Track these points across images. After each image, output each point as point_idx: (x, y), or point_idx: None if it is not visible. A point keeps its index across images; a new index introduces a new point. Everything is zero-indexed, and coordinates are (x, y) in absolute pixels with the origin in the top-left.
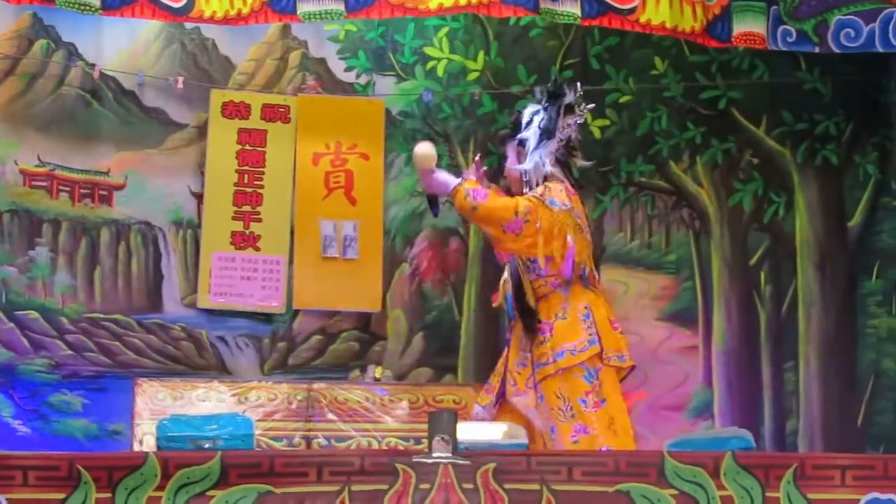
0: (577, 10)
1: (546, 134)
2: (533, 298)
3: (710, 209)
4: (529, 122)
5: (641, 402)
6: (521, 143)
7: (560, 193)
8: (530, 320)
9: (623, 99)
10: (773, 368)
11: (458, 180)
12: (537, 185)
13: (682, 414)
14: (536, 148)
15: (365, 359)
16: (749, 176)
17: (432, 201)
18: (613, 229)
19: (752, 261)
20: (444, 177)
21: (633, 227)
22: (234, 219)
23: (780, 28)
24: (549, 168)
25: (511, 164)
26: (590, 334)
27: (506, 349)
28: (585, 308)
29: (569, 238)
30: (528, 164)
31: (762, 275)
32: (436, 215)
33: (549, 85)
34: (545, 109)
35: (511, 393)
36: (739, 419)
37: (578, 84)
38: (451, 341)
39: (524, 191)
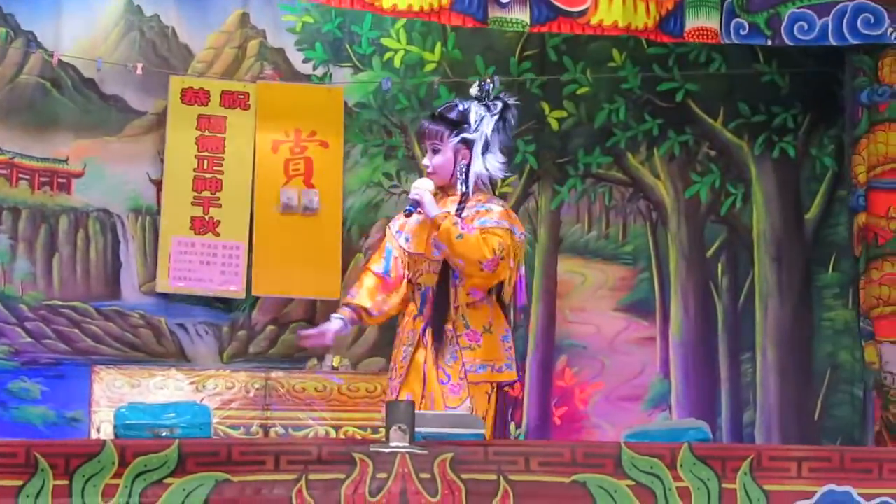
0: (525, 17)
1: (495, 141)
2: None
3: (668, 201)
4: (479, 123)
5: (598, 392)
6: (466, 142)
7: (515, 219)
8: (442, 330)
9: (581, 90)
10: (730, 360)
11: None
12: (470, 191)
13: (639, 405)
14: (486, 153)
15: (313, 350)
16: (706, 168)
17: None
18: (570, 220)
19: (709, 252)
20: (433, 201)
21: (590, 218)
22: (193, 204)
23: (734, 21)
24: (491, 177)
25: (446, 161)
26: (509, 359)
27: (411, 347)
28: (506, 330)
29: (522, 268)
30: (479, 168)
31: (719, 266)
32: (408, 215)
33: (491, 89)
34: (491, 114)
35: (445, 391)
36: (697, 410)
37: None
38: None
39: (455, 191)
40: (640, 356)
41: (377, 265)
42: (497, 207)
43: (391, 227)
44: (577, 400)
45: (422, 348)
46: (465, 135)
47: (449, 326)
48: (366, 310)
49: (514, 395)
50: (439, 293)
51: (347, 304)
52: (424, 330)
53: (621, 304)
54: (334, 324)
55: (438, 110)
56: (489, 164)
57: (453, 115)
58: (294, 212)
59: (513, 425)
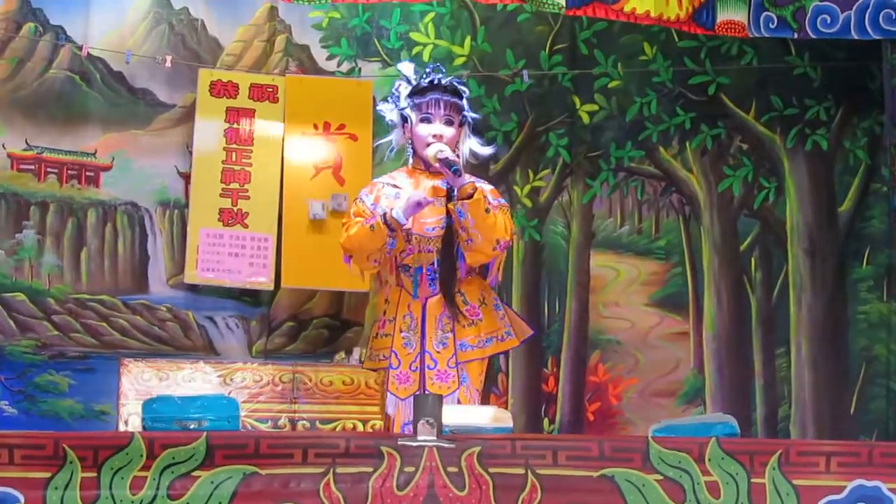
0: (562, 1)
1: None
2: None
3: (700, 195)
4: (470, 103)
5: (632, 387)
6: (463, 124)
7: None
8: (454, 302)
9: (612, 84)
10: (765, 354)
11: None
12: (461, 168)
13: (673, 400)
14: (469, 137)
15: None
16: (739, 161)
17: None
18: (603, 214)
19: (743, 246)
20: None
21: (622, 212)
22: (221, 196)
23: (763, 14)
24: (479, 156)
25: (455, 135)
26: (507, 325)
27: (413, 332)
28: (495, 299)
29: None
30: (473, 147)
31: (752, 260)
32: (459, 175)
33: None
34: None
35: (431, 376)
36: (731, 405)
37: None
38: None
39: (450, 167)
40: (673, 351)
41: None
42: (489, 186)
43: (364, 201)
44: (611, 395)
45: (424, 331)
46: (468, 114)
47: (462, 307)
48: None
49: (548, 390)
50: (444, 271)
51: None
52: (423, 312)
53: (654, 299)
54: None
55: (452, 83)
56: (474, 144)
57: (463, 91)
58: (323, 219)
59: (546, 421)
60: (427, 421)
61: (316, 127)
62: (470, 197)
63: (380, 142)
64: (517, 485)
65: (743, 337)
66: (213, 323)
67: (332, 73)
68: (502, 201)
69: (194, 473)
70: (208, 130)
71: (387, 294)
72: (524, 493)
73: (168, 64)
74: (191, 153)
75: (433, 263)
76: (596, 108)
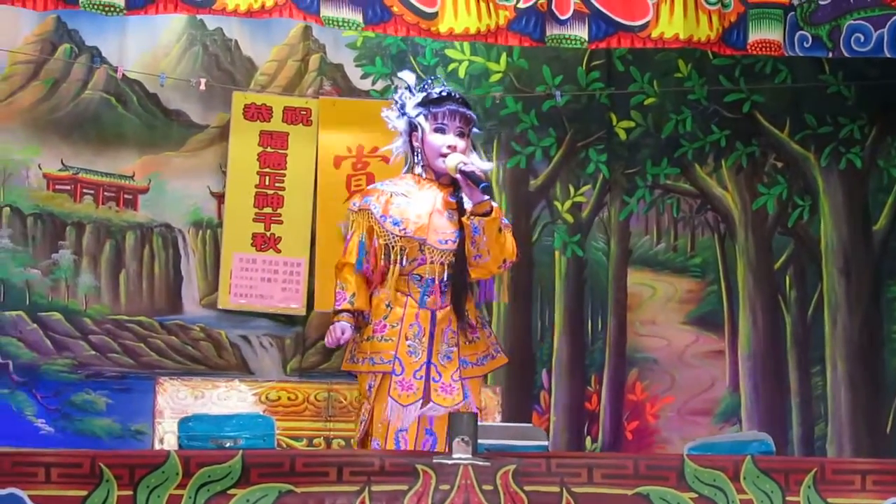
0: (584, 34)
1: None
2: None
3: (735, 213)
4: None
5: (669, 406)
6: (470, 135)
7: None
8: (464, 317)
9: (648, 101)
10: (800, 373)
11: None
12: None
13: (710, 419)
14: (472, 152)
15: None
16: (773, 179)
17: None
18: (640, 232)
19: (777, 265)
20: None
21: (658, 229)
22: (255, 220)
23: (798, 33)
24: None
25: (466, 148)
26: (493, 343)
27: (419, 341)
28: (481, 318)
29: None
30: (478, 162)
31: (787, 279)
32: (488, 191)
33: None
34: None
35: (436, 388)
36: (767, 424)
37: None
38: None
39: (446, 179)
40: (709, 370)
41: (354, 260)
42: (496, 204)
43: (374, 212)
44: (648, 414)
45: (433, 342)
46: (475, 129)
47: (471, 321)
48: (363, 314)
49: (591, 408)
50: (457, 286)
51: (348, 311)
52: (434, 324)
53: (690, 318)
54: (347, 333)
55: (462, 96)
56: (476, 159)
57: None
58: None
59: (588, 439)
60: (462, 439)
61: (349, 150)
62: (487, 214)
63: (384, 148)
64: (552, 502)
65: (778, 355)
66: (248, 342)
67: (367, 92)
68: (508, 221)
69: (230, 492)
70: (242, 155)
71: (388, 299)
72: None
73: (202, 87)
74: (223, 173)
75: (444, 276)
76: (632, 124)
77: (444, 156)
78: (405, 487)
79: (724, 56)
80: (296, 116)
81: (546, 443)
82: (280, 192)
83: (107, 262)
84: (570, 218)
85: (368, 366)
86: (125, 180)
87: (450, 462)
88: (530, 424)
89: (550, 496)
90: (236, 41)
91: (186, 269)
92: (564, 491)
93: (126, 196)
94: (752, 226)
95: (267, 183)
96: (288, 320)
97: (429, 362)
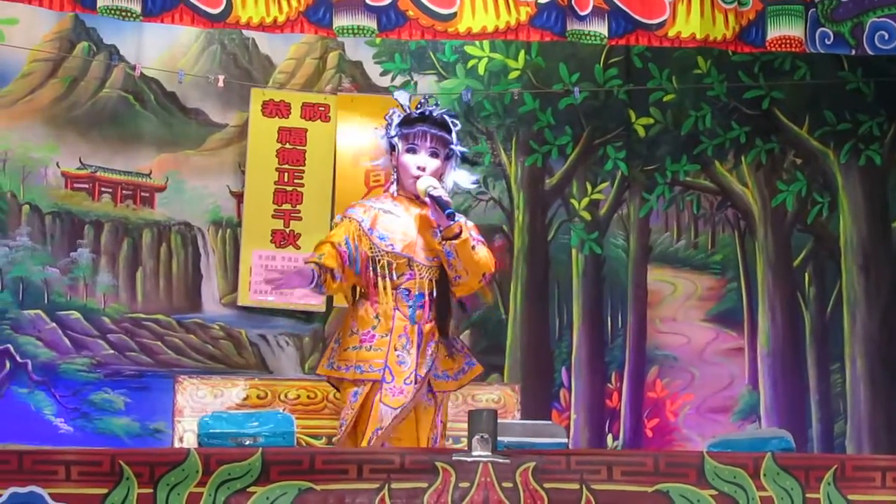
0: (604, 31)
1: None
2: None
3: (755, 209)
4: (458, 138)
5: (688, 403)
6: (449, 157)
7: None
8: (447, 333)
9: (667, 98)
10: (819, 370)
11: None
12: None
13: (729, 416)
14: (454, 170)
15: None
16: (792, 176)
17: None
18: (660, 229)
19: (796, 262)
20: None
21: (679, 226)
22: (274, 217)
23: (819, 30)
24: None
25: (438, 168)
26: (466, 356)
27: (407, 352)
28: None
29: None
30: (456, 179)
31: (806, 276)
32: (452, 217)
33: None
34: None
35: (410, 391)
36: (786, 421)
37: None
38: (497, 340)
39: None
40: (728, 367)
41: (339, 240)
42: (471, 222)
43: (362, 224)
44: (668, 412)
45: (419, 354)
46: (455, 147)
47: (453, 337)
48: (332, 272)
49: (612, 406)
50: (441, 300)
51: (314, 262)
52: (420, 337)
53: (710, 315)
54: (306, 268)
55: (442, 116)
56: (459, 177)
57: (453, 125)
58: None
59: (610, 437)
60: (482, 436)
61: (367, 146)
62: (457, 237)
63: (372, 163)
64: (572, 500)
65: (797, 353)
66: (266, 341)
67: (386, 89)
68: (480, 237)
69: (250, 489)
70: (261, 151)
71: (377, 311)
72: None
73: (220, 84)
74: (242, 172)
75: (432, 290)
76: (651, 121)
77: (416, 177)
78: (425, 485)
79: (743, 53)
80: (314, 113)
81: (565, 440)
82: (299, 189)
83: (125, 260)
84: (587, 215)
85: (354, 373)
86: (142, 178)
87: (469, 459)
88: (550, 421)
89: (570, 493)
90: (254, 39)
91: (206, 268)
92: (584, 488)
93: (143, 194)
94: (772, 223)
95: (286, 179)
96: (306, 318)
97: (415, 371)
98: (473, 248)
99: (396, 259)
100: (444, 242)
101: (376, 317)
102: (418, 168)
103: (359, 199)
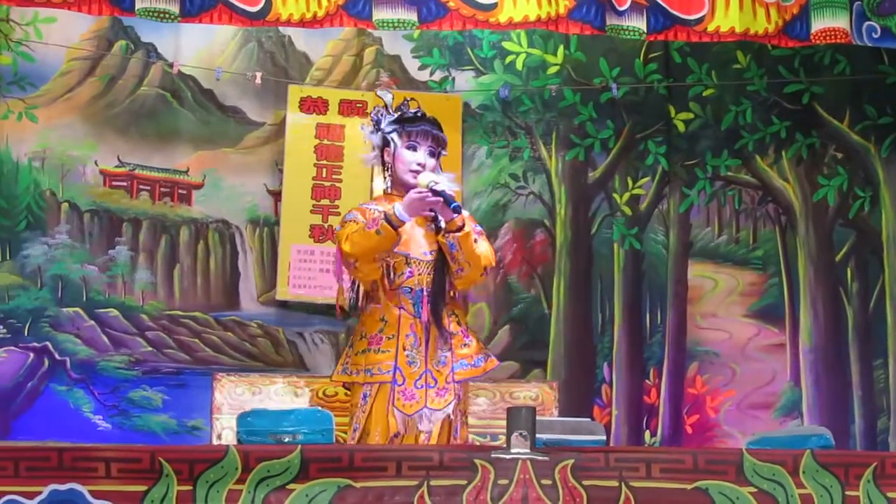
0: (642, 26)
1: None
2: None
3: (796, 204)
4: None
5: (729, 400)
6: (439, 156)
7: None
8: (441, 324)
9: (707, 92)
10: (862, 366)
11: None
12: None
13: (770, 413)
14: (439, 172)
15: None
16: (833, 171)
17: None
18: (700, 224)
19: (838, 257)
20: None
21: (720, 221)
22: (312, 212)
23: (865, 24)
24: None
25: (436, 167)
26: (483, 346)
27: (416, 351)
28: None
29: None
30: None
31: (848, 271)
32: (458, 211)
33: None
34: None
35: (431, 394)
36: (828, 418)
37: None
38: (539, 335)
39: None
40: (770, 363)
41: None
42: (466, 212)
43: (357, 220)
44: (709, 408)
45: (428, 350)
46: (442, 151)
47: (455, 328)
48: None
49: (650, 402)
50: (436, 294)
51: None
52: (427, 333)
53: (752, 310)
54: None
55: (435, 118)
56: (443, 180)
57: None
58: None
59: (647, 433)
60: (520, 433)
61: None
62: (460, 230)
63: (364, 156)
64: (611, 497)
65: (840, 348)
66: (302, 338)
67: (425, 83)
68: (479, 227)
69: (289, 486)
70: (299, 147)
71: (382, 313)
72: None
73: (258, 81)
74: (280, 171)
75: (432, 286)
76: (691, 116)
77: (415, 172)
78: (464, 482)
79: (782, 47)
80: (352, 109)
81: (604, 437)
82: (337, 184)
83: (163, 257)
84: (628, 210)
85: (365, 377)
86: (180, 175)
87: (508, 457)
88: (588, 419)
89: (609, 490)
90: (290, 37)
91: (243, 266)
92: (623, 485)
93: (181, 192)
94: (813, 217)
95: (324, 175)
96: (343, 314)
97: (426, 370)
98: (475, 241)
99: (395, 258)
100: (447, 235)
101: (382, 318)
102: (418, 164)
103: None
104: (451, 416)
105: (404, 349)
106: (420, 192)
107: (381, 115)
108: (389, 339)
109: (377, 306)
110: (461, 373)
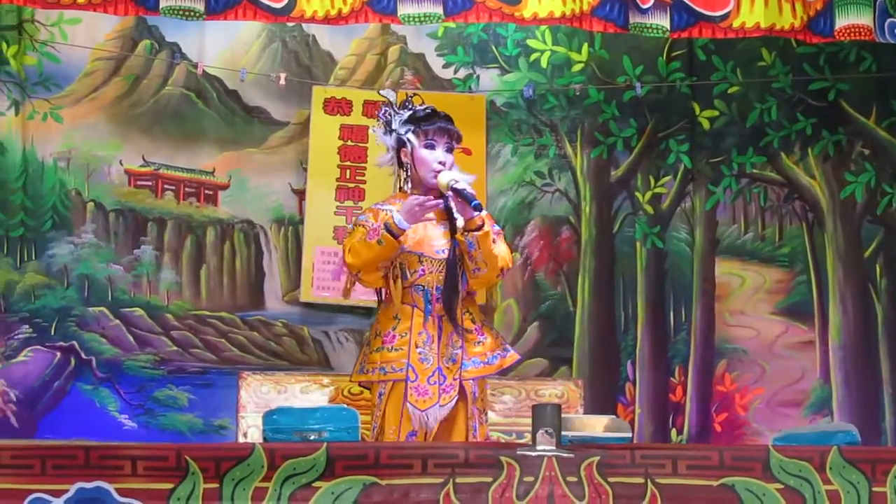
0: (666, 23)
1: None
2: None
3: (823, 201)
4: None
5: (759, 397)
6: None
7: None
8: (456, 320)
9: (732, 90)
10: (892, 363)
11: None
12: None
13: (800, 410)
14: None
15: None
16: (861, 167)
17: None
18: (727, 221)
19: (867, 253)
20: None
21: (746, 219)
22: (336, 214)
23: (888, 21)
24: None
25: (453, 163)
26: (503, 342)
27: (422, 346)
28: (486, 321)
29: None
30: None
31: (877, 268)
32: (479, 209)
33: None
34: None
35: (435, 391)
36: (858, 415)
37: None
38: (566, 332)
39: (434, 193)
40: (799, 361)
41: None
42: (485, 211)
43: (367, 225)
44: (738, 406)
45: (440, 347)
46: (456, 144)
47: (469, 325)
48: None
49: (676, 400)
50: (449, 291)
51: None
52: (440, 330)
53: (779, 308)
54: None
55: (446, 114)
56: (457, 174)
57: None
58: None
59: (674, 431)
60: (546, 431)
61: None
62: (479, 228)
63: (379, 161)
64: (637, 494)
65: (869, 346)
66: (328, 337)
67: (449, 81)
68: (498, 227)
69: (315, 484)
70: (322, 148)
71: (396, 311)
72: (644, 502)
73: (282, 82)
74: (304, 170)
75: (446, 282)
76: (716, 113)
77: (436, 171)
78: (489, 479)
79: (807, 44)
80: (376, 109)
81: (629, 434)
82: (361, 186)
83: (188, 257)
84: (650, 209)
85: (379, 375)
86: (206, 176)
87: (534, 454)
88: (614, 416)
89: (635, 488)
90: (314, 36)
91: (269, 266)
92: (649, 482)
93: (207, 192)
94: (841, 214)
95: (348, 176)
96: (367, 314)
97: (438, 367)
98: (493, 241)
99: (408, 258)
100: (466, 234)
101: (395, 317)
102: (439, 163)
103: (373, 203)
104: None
105: (417, 346)
106: (418, 199)
107: (390, 115)
108: (402, 336)
109: (390, 305)
110: (472, 370)
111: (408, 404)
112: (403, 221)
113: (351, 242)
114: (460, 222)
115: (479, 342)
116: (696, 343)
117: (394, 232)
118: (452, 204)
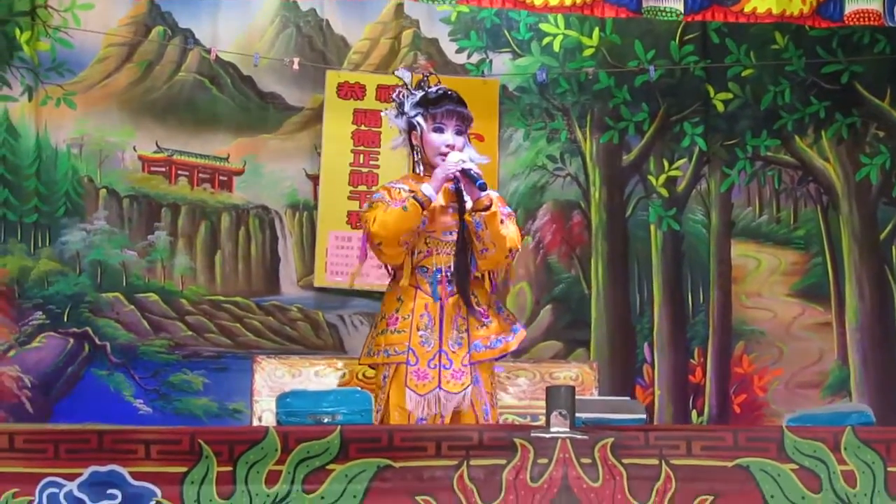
0: (679, 7)
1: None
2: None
3: (838, 184)
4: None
5: (777, 379)
6: (465, 133)
7: None
8: (470, 302)
9: (745, 73)
10: None
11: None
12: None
13: (818, 392)
14: (468, 147)
15: None
16: (875, 149)
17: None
18: (742, 203)
19: (883, 235)
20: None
21: (760, 201)
22: (349, 198)
23: None
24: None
25: (464, 146)
26: (511, 321)
27: (430, 331)
28: (496, 302)
29: None
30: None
31: (893, 249)
32: (484, 189)
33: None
34: None
35: (447, 375)
36: (877, 396)
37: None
38: (581, 315)
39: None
40: (817, 342)
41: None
42: (496, 193)
43: (384, 199)
44: (756, 387)
45: (443, 331)
46: (469, 126)
47: (482, 307)
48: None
49: (696, 381)
50: (461, 273)
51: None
52: (442, 313)
53: (795, 290)
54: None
55: (457, 94)
56: (473, 153)
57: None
58: None
59: (694, 413)
60: (560, 412)
61: None
62: (487, 209)
63: (393, 145)
64: (651, 475)
65: (886, 327)
66: (343, 321)
67: (462, 66)
68: (509, 209)
69: (329, 467)
70: (336, 133)
71: (399, 293)
72: (658, 483)
73: (296, 66)
74: (318, 154)
75: (450, 265)
76: (730, 96)
77: (444, 154)
78: (503, 461)
79: (820, 28)
80: (389, 94)
81: (644, 416)
82: (374, 171)
83: (202, 243)
84: (664, 192)
85: (383, 357)
86: (220, 162)
87: (548, 436)
88: (627, 398)
89: (649, 469)
90: (328, 21)
91: (283, 251)
92: (663, 463)
93: (221, 178)
94: (856, 196)
95: (361, 161)
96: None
97: (440, 350)
98: (502, 222)
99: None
100: (474, 214)
101: (398, 298)
102: (447, 146)
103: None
104: (470, 399)
105: (418, 329)
106: (444, 172)
107: (404, 96)
108: (405, 319)
109: (396, 286)
110: (476, 355)
111: (406, 389)
112: (432, 193)
113: (375, 213)
114: (469, 204)
115: (483, 325)
116: (713, 325)
117: (422, 203)
118: (462, 186)
